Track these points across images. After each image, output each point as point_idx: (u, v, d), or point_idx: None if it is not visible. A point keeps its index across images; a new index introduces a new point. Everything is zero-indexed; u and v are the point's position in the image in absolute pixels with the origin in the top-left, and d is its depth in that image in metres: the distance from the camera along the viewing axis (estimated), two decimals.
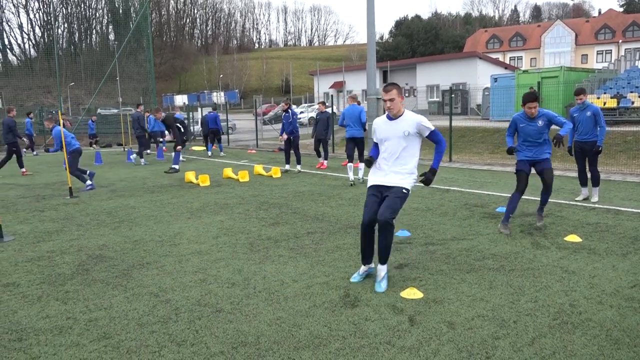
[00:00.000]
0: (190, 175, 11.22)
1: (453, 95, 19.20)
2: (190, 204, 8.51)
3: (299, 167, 12.45)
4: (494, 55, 57.20)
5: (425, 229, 6.32)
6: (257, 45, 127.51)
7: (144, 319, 3.79)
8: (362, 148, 10.89)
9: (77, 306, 4.08)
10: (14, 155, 13.66)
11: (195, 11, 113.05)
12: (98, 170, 14.21)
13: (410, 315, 3.72)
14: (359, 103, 11.53)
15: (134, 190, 10.18)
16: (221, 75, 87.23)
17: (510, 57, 67.77)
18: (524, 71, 24.15)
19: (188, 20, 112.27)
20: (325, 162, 13.41)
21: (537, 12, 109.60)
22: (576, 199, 7.92)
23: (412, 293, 4.12)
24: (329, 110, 14.84)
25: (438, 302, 3.95)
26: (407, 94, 45.19)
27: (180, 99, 67.02)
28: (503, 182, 10.09)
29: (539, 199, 6.38)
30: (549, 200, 6.48)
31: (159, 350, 3.29)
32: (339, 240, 5.89)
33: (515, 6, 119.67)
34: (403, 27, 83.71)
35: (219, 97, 64.74)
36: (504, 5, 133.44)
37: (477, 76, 37.40)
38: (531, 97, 6.00)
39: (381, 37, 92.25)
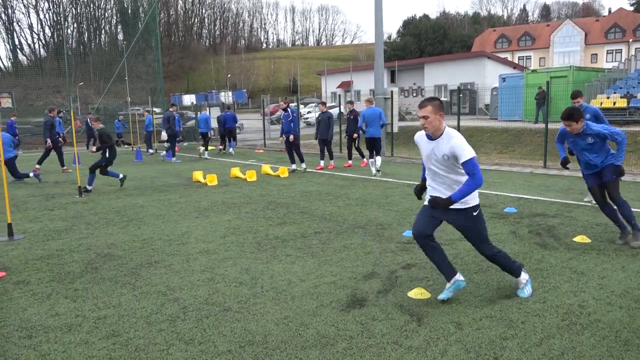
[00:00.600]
0: (198, 175, 11.26)
1: (461, 95, 19.13)
2: (198, 203, 8.54)
3: (304, 166, 12.46)
4: (502, 55, 56.91)
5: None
6: (264, 45, 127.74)
7: (152, 317, 3.81)
8: (379, 146, 11.93)
9: (86, 304, 4.11)
10: (46, 154, 14.06)
11: (204, 11, 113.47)
12: None
13: (417, 316, 3.72)
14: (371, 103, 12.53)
15: (143, 190, 10.23)
16: (229, 75, 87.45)
17: (519, 57, 67.42)
18: (533, 71, 24.01)
19: (196, 20, 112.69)
20: (332, 162, 13.36)
21: (546, 11, 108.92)
22: (585, 199, 7.81)
23: (419, 293, 4.11)
24: (334, 110, 14.85)
25: (445, 303, 3.94)
26: (414, 94, 45.10)
27: (188, 99, 67.29)
28: (511, 182, 10.04)
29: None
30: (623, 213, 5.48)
31: (167, 348, 3.31)
32: (346, 240, 5.89)
33: (524, 5, 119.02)
34: (411, 26, 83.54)
35: (226, 96, 64.90)
36: (513, 5, 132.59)
37: (486, 76, 37.25)
38: (564, 114, 5.18)
39: (389, 37, 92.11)
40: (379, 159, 11.54)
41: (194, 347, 3.31)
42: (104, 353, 3.26)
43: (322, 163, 13.09)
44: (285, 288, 4.36)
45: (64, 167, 14.40)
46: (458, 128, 14.59)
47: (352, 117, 13.46)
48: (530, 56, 67.85)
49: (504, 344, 3.25)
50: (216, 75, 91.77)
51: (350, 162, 13.66)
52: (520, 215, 6.93)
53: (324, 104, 14.00)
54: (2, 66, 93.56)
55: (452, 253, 5.25)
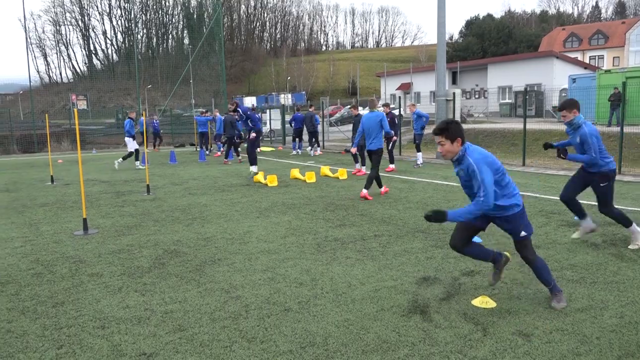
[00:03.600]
0: (258, 176, 11.48)
1: (527, 97, 18.39)
2: (259, 203, 8.70)
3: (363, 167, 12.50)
4: (572, 55, 54.26)
5: (497, 236, 6.08)
6: (324, 47, 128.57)
7: (216, 314, 3.91)
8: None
9: (154, 298, 4.28)
10: (137, 151, 15.42)
11: (265, 15, 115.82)
12: (171, 169, 14.88)
13: (482, 325, 3.59)
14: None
15: (206, 189, 10.55)
16: (289, 78, 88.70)
17: (590, 57, 63.98)
18: (606, 71, 22.73)
19: (258, 24, 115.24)
20: (363, 168, 12.93)
21: (621, 8, 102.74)
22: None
23: (484, 302, 3.97)
24: (394, 112, 14.69)
25: (512, 313, 3.78)
26: (477, 96, 43.87)
27: (249, 101, 68.83)
28: None
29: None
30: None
31: (230, 345, 3.38)
32: (406, 244, 5.80)
33: (596, 2, 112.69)
34: (474, 26, 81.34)
35: (286, 98, 65.83)
36: (584, 2, 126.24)
37: (554, 76, 35.65)
38: (560, 105, 5.41)
39: (450, 38, 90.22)
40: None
41: (256, 346, 3.36)
42: (171, 347, 3.38)
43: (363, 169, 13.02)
44: (345, 290, 4.35)
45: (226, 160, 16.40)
46: (524, 131, 14.06)
47: (388, 119, 13.23)
48: (602, 56, 64.21)
49: None
50: (276, 77, 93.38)
51: (392, 166, 13.27)
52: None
53: (355, 107, 13.91)
54: (78, 70, 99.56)
55: (519, 261, 5.03)
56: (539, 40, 73.48)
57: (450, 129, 3.64)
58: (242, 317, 3.83)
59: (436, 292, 4.27)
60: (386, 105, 13.94)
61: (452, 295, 4.18)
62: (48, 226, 7.28)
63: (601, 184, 5.34)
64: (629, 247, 5.40)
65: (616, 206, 5.59)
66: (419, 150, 14.26)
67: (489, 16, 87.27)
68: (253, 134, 12.18)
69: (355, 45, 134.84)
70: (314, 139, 18.66)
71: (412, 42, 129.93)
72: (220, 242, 6.10)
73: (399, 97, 22.44)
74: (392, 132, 10.43)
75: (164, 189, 10.76)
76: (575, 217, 5.76)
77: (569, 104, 5.25)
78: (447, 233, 6.27)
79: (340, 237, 6.19)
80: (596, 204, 5.58)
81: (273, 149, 22.17)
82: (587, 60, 59.42)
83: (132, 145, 15.22)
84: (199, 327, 3.67)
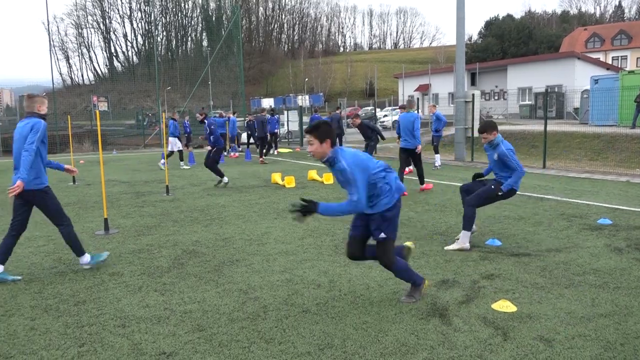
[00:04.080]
0: (276, 177, 11.52)
1: (548, 98, 18.10)
2: (277, 204, 8.73)
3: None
4: (594, 55, 53.37)
5: (517, 239, 6.01)
6: (342, 48, 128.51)
7: (234, 314, 3.93)
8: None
9: (173, 298, 4.32)
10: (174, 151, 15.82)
11: (283, 17, 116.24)
12: (190, 170, 15.01)
13: (502, 329, 3.55)
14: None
15: (224, 190, 10.62)
16: (306, 79, 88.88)
17: (612, 57, 62.80)
18: (630, 72, 22.29)
19: (276, 26, 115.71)
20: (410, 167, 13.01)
21: None
22: None
23: (504, 306, 3.92)
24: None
25: (533, 318, 3.73)
26: (496, 97, 43.43)
27: (267, 102, 69.14)
28: (605, 191, 9.36)
29: None
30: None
31: (248, 346, 3.39)
32: (425, 247, 5.75)
33: (619, 1, 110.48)
34: (493, 27, 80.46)
35: (303, 100, 65.99)
36: (606, 1, 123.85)
37: (575, 78, 35.09)
38: (480, 128, 5.74)
39: (470, 38, 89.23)
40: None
41: (274, 347, 3.37)
42: (190, 346, 3.40)
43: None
44: (364, 293, 4.33)
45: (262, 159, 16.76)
46: (545, 132, 13.86)
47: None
48: (626, 56, 62.97)
49: None
50: (294, 79, 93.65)
51: (411, 167, 13.05)
52: (616, 228, 6.43)
53: (404, 107, 13.80)
54: (99, 72, 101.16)
55: (540, 265, 4.97)
56: (560, 40, 72.42)
57: (320, 130, 3.64)
58: (260, 318, 3.84)
59: (455, 295, 4.23)
60: (402, 107, 13.84)
61: (472, 299, 4.13)
62: None
63: (499, 193, 5.64)
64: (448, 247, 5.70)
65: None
66: (437, 152, 14.16)
67: (509, 17, 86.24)
68: (211, 147, 11.27)
69: (373, 46, 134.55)
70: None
71: (430, 43, 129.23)
72: (238, 243, 6.13)
73: (417, 99, 22.34)
74: (419, 136, 10.52)
75: (182, 189, 10.87)
76: None
77: (490, 126, 5.63)
78: None
79: None
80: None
81: (291, 150, 22.23)
82: (609, 61, 58.33)
83: (176, 145, 15.76)
84: (218, 327, 3.69)
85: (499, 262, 5.11)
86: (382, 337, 3.47)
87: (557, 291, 4.24)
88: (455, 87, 16.21)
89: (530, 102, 35.87)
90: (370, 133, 12.45)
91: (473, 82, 44.61)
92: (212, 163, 11.05)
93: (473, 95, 15.79)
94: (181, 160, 15.95)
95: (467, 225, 5.61)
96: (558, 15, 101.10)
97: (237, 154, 20.66)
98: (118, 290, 4.54)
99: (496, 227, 6.61)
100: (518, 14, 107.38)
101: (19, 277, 4.93)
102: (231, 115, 19.86)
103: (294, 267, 5.12)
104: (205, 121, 11.65)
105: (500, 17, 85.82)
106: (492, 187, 5.68)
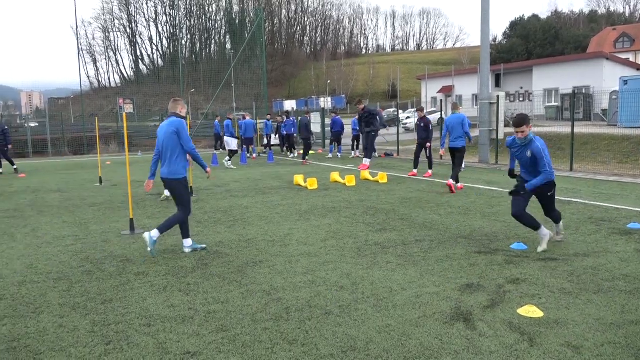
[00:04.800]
0: (299, 179, 11.55)
1: (575, 100, 17.75)
2: (299, 206, 8.75)
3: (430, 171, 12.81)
4: (623, 56, 52.06)
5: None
6: (364, 50, 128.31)
7: (257, 315, 3.95)
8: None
9: (197, 298, 4.36)
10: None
11: (306, 19, 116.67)
12: (213, 171, 15.16)
13: (529, 335, 3.48)
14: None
15: (247, 191, 10.69)
16: (328, 81, 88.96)
17: None
18: None
19: (298, 28, 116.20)
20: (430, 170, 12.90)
21: None
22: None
23: (530, 311, 3.85)
24: (435, 115, 14.45)
25: (561, 324, 3.65)
26: (521, 98, 42.76)
27: (289, 104, 69.43)
28: (635, 195, 9.13)
29: None
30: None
31: (271, 347, 3.40)
32: (449, 250, 5.69)
33: None
34: (518, 27, 79.25)
35: (326, 102, 66.05)
36: (636, 0, 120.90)
37: (603, 78, 34.32)
38: (518, 121, 5.46)
39: (494, 39, 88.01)
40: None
41: (297, 348, 3.37)
42: (214, 347, 3.43)
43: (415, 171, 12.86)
44: (387, 296, 4.31)
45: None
46: (572, 135, 13.58)
47: (422, 124, 12.89)
48: None
49: None
50: (316, 81, 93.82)
51: (430, 171, 12.82)
52: None
53: (422, 109, 13.72)
54: (126, 75, 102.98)
55: (567, 270, 4.87)
56: (587, 41, 70.94)
57: (527, 120, 5.36)
58: (283, 320, 3.85)
59: (480, 299, 4.17)
60: (420, 109, 13.73)
61: (497, 304, 4.07)
62: (97, 225, 7.55)
63: (548, 193, 5.66)
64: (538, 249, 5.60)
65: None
66: None
67: (535, 17, 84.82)
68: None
69: (396, 48, 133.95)
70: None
71: (454, 45, 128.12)
72: (261, 244, 6.17)
73: (440, 100, 22.11)
74: (470, 133, 11.03)
75: (206, 190, 10.98)
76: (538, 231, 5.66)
77: (527, 119, 5.39)
78: (490, 239, 6.13)
79: (381, 242, 6.14)
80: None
81: (313, 152, 22.26)
82: (639, 62, 56.86)
83: (233, 144, 16.69)
84: (241, 328, 3.71)
85: (525, 266, 5.03)
86: (405, 340, 3.45)
87: (585, 297, 4.15)
88: (480, 89, 16.02)
89: (556, 104, 35.22)
90: (373, 119, 12.40)
91: (497, 84, 44.02)
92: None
93: (498, 96, 15.57)
94: (229, 158, 16.60)
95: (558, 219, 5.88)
96: (586, 15, 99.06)
97: (254, 155, 20.77)
98: (143, 290, 4.61)
99: (522, 230, 6.50)
100: (544, 14, 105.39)
101: (204, 246, 5.98)
102: (247, 117, 19.93)
103: (317, 269, 5.12)
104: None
105: (526, 18, 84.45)
106: (548, 194, 5.67)
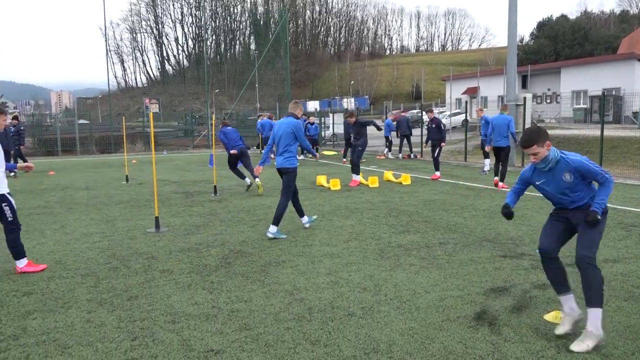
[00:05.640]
0: (321, 179, 11.55)
1: (604, 102, 17.33)
2: (322, 207, 8.75)
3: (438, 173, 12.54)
4: None
5: (571, 248, 5.72)
6: (388, 51, 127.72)
7: (280, 315, 3.96)
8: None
9: (221, 296, 4.40)
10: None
11: (330, 20, 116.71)
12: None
13: (556, 341, 3.41)
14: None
15: (270, 191, 10.74)
16: (352, 82, 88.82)
17: None
18: None
19: (322, 29, 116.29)
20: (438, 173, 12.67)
21: None
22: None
23: (558, 317, 3.77)
24: (461, 117, 14.32)
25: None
26: (548, 100, 42.00)
27: (312, 105, 69.54)
28: None
29: None
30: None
31: (294, 347, 3.41)
32: (473, 253, 5.62)
33: None
34: (546, 28, 77.85)
35: (349, 103, 65.95)
36: None
37: (635, 80, 33.43)
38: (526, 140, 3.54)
39: (521, 40, 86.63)
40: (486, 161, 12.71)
41: (320, 349, 3.37)
42: (237, 345, 3.46)
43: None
44: (410, 298, 4.27)
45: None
46: (601, 138, 13.27)
47: (433, 125, 12.59)
48: None
49: None
50: (339, 81, 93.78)
51: (437, 173, 12.48)
52: None
53: (431, 110, 13.58)
54: (152, 75, 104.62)
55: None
56: (618, 41, 69.18)
57: (538, 136, 3.47)
58: (305, 320, 3.86)
59: (505, 304, 4.11)
60: (430, 110, 13.56)
61: (523, 309, 4.00)
62: (123, 223, 7.68)
63: (594, 221, 3.46)
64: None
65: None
66: (486, 157, 13.82)
67: (563, 17, 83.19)
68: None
69: (420, 48, 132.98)
70: (405, 141, 18.91)
71: (479, 45, 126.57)
72: (284, 244, 6.19)
73: (465, 102, 21.87)
74: (516, 132, 11.40)
75: (230, 190, 11.07)
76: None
77: (539, 135, 3.50)
78: (515, 243, 6.03)
79: (404, 244, 6.10)
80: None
81: (335, 152, 22.24)
82: None
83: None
84: (264, 327, 3.73)
85: None
86: (428, 344, 3.42)
87: (615, 304, 4.05)
88: (506, 90, 15.79)
89: (585, 106, 34.50)
90: (363, 131, 11.81)
91: (524, 85, 43.30)
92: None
93: (524, 98, 15.33)
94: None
95: (598, 298, 3.40)
96: (616, 15, 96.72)
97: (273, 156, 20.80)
98: (168, 287, 4.67)
99: None
100: (573, 14, 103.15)
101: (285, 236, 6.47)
102: (264, 117, 19.95)
103: (339, 269, 5.11)
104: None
105: (554, 18, 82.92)
106: (599, 220, 3.46)
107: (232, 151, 10.82)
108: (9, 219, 4.98)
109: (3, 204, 4.94)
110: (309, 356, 3.27)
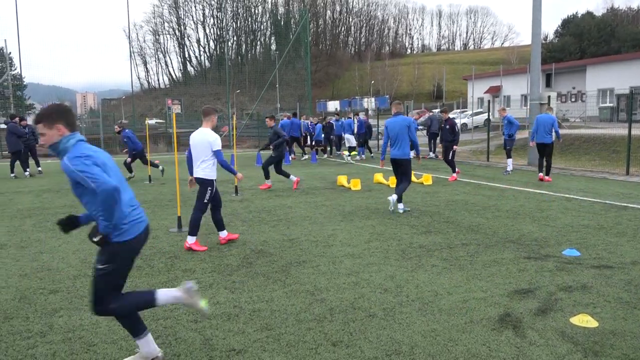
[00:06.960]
0: (342, 179, 11.53)
1: (632, 100, 16.89)
2: (343, 207, 8.73)
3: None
4: None
5: (598, 250, 5.65)
6: (409, 50, 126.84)
7: (301, 315, 3.96)
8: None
9: (242, 296, 4.42)
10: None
11: (350, 20, 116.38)
12: (257, 171, 15.35)
13: (582, 345, 3.34)
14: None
15: (290, 191, 10.77)
16: (372, 82, 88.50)
17: None
18: None
19: (343, 29, 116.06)
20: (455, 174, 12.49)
21: None
22: None
23: (584, 320, 3.70)
24: (482, 116, 14.16)
25: (618, 335, 3.48)
26: (573, 99, 41.22)
27: (333, 105, 69.47)
28: None
29: None
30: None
31: (315, 347, 3.41)
32: (496, 255, 5.54)
33: None
34: (571, 25, 76.42)
35: (369, 102, 65.73)
36: None
37: None
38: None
39: (545, 38, 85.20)
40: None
41: (341, 350, 3.36)
42: (259, 345, 3.47)
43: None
44: (432, 299, 4.23)
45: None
46: (629, 137, 12.96)
47: (447, 126, 12.39)
48: None
49: None
50: (360, 81, 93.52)
51: (454, 175, 12.31)
52: None
53: (445, 110, 13.46)
54: (174, 76, 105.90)
55: (624, 279, 4.65)
56: None
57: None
58: (327, 320, 3.85)
59: (530, 306, 4.03)
60: (444, 111, 13.42)
61: (548, 311, 3.93)
62: None
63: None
64: None
65: None
66: (509, 157, 13.63)
67: (589, 14, 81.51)
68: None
69: (442, 47, 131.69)
70: (433, 142, 19.14)
71: (502, 44, 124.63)
72: (304, 244, 6.19)
73: (488, 101, 21.55)
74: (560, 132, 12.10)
75: (250, 190, 11.13)
76: None
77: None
78: (540, 245, 5.92)
79: (426, 244, 6.05)
80: None
81: (356, 152, 22.19)
82: None
83: (353, 141, 19.03)
84: (285, 327, 3.73)
85: (578, 273, 4.83)
86: (451, 346, 3.38)
87: None
88: (530, 89, 15.54)
89: (611, 105, 33.76)
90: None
91: (548, 84, 42.55)
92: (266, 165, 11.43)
93: (549, 97, 15.06)
94: (349, 153, 18.50)
95: None
96: None
97: (293, 155, 20.77)
98: None
99: (574, 236, 6.25)
100: (599, 11, 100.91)
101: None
102: (286, 118, 19.97)
103: (360, 270, 5.09)
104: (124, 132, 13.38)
105: (579, 15, 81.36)
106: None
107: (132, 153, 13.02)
108: (204, 201, 6.14)
109: (208, 188, 6.21)
110: (330, 357, 3.27)
